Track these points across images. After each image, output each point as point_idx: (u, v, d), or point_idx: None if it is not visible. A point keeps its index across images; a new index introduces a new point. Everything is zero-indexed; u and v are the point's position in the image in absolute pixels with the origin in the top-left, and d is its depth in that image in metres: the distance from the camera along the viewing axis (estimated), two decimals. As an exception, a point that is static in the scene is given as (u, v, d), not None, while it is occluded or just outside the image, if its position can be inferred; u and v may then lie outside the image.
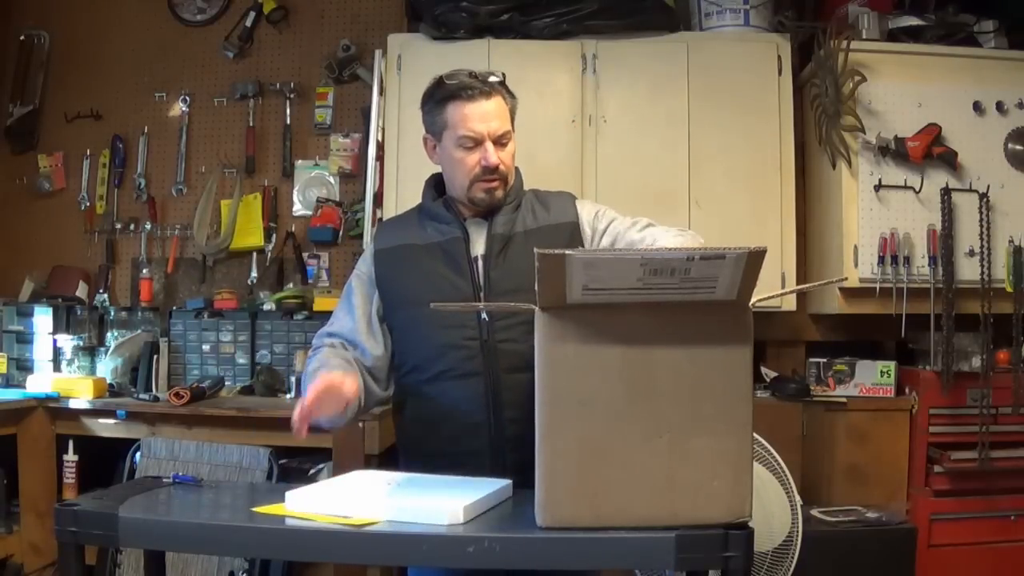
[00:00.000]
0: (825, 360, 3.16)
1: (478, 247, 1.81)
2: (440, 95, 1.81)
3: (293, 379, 3.19)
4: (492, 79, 1.81)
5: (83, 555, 1.44)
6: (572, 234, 1.84)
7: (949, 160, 2.99)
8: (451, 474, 1.62)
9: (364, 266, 1.89)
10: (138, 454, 2.82)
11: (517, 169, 1.89)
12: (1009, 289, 2.98)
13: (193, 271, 3.63)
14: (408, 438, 1.86)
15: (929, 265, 2.98)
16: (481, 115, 1.77)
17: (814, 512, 2.84)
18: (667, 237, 1.74)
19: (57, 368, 3.23)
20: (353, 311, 1.85)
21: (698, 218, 3.05)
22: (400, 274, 1.81)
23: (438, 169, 1.90)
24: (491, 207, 1.82)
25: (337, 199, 3.59)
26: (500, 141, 1.80)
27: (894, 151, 3.00)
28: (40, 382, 3.05)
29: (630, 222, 1.84)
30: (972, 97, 3.04)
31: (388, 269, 1.83)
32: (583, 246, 1.83)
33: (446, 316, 1.70)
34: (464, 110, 1.77)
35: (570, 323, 1.32)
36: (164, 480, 1.70)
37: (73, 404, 2.97)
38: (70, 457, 2.98)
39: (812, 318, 3.32)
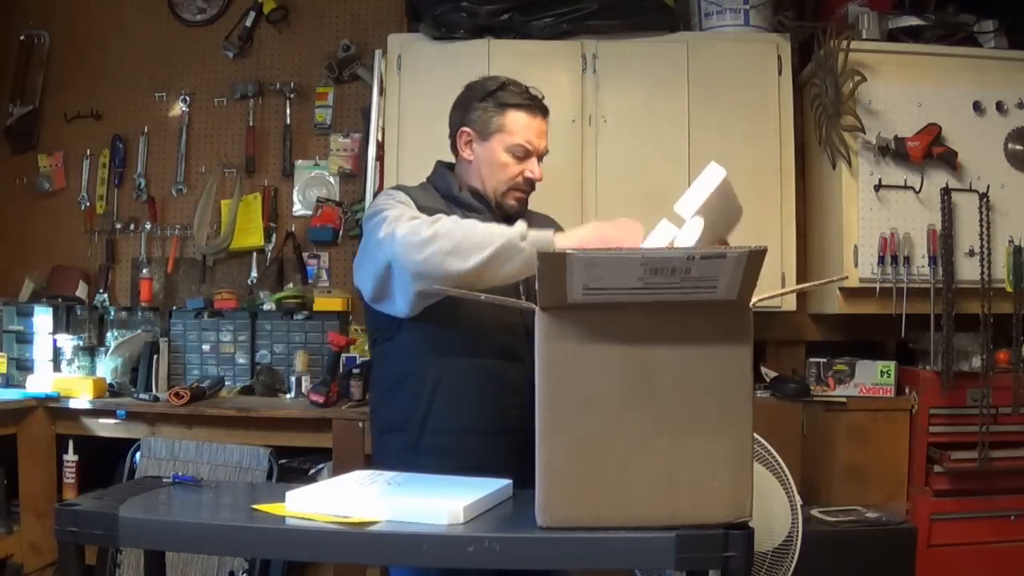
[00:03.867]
0: (825, 360, 3.16)
1: None
2: (505, 99, 1.89)
3: (293, 379, 3.19)
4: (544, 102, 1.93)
5: (83, 555, 1.44)
6: None
7: (949, 160, 2.99)
8: (476, 454, 1.62)
9: (410, 207, 1.77)
10: (138, 454, 2.82)
11: None
12: (1009, 289, 2.98)
13: (193, 271, 3.63)
14: (432, 413, 1.79)
15: (929, 265, 2.98)
16: (539, 131, 1.90)
17: (814, 512, 2.84)
18: None
19: (57, 368, 3.23)
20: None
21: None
22: None
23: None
24: (516, 214, 1.89)
25: (337, 199, 3.59)
26: (541, 158, 1.93)
27: (894, 151, 3.00)
28: (40, 382, 3.05)
29: None
30: (972, 97, 3.04)
31: None
32: None
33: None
34: (527, 122, 1.88)
35: (570, 323, 1.33)
36: (164, 480, 1.70)
37: (73, 404, 2.97)
38: (70, 457, 2.98)
39: (812, 318, 3.32)
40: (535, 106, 1.90)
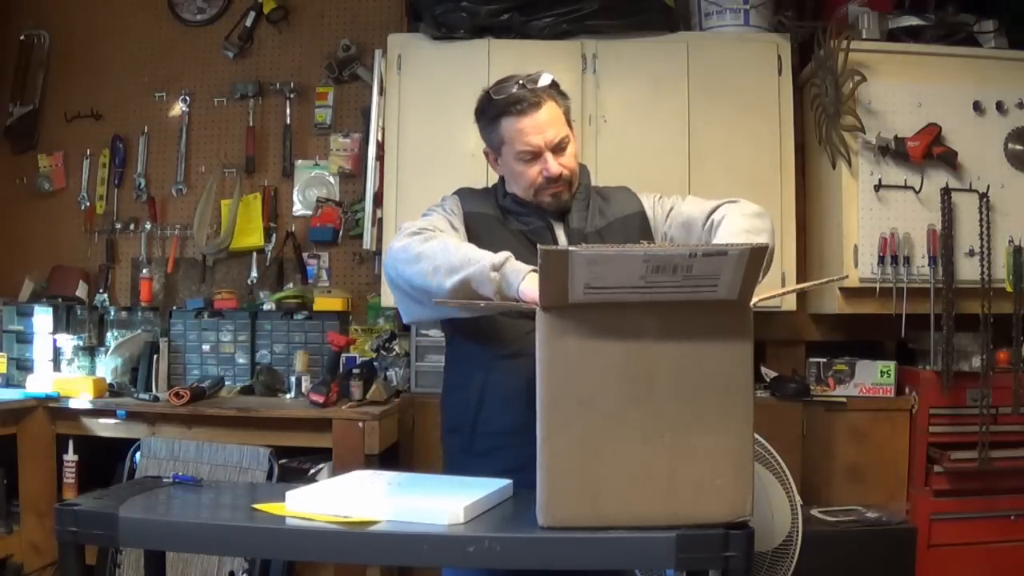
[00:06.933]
0: (825, 360, 3.16)
1: (560, 239, 1.83)
2: (492, 112, 1.81)
3: (293, 379, 3.19)
4: (540, 84, 1.80)
5: (83, 555, 1.44)
6: (642, 224, 1.87)
7: (949, 160, 2.99)
8: (521, 454, 1.60)
9: (454, 219, 1.82)
10: (138, 454, 2.81)
11: (583, 166, 1.90)
12: (1009, 289, 2.98)
13: (193, 271, 3.63)
14: (480, 416, 1.80)
15: (929, 265, 2.98)
16: (535, 127, 1.77)
17: (814, 512, 2.84)
18: (735, 214, 1.72)
19: (57, 368, 3.22)
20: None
21: (698, 218, 3.05)
22: (490, 245, 1.75)
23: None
24: (559, 209, 1.85)
25: (337, 199, 3.59)
26: (559, 147, 1.80)
27: (894, 151, 3.00)
28: (40, 382, 3.04)
29: (697, 200, 1.85)
30: (972, 97, 3.04)
31: (477, 236, 1.79)
32: (652, 234, 1.85)
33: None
34: (518, 125, 1.77)
35: (572, 322, 1.32)
36: (164, 480, 1.70)
37: (73, 404, 2.97)
38: (70, 457, 2.98)
39: (812, 318, 3.32)
40: (523, 103, 1.76)
